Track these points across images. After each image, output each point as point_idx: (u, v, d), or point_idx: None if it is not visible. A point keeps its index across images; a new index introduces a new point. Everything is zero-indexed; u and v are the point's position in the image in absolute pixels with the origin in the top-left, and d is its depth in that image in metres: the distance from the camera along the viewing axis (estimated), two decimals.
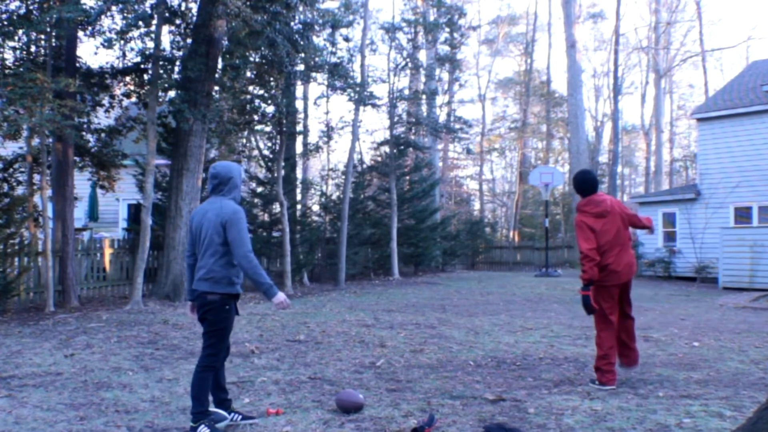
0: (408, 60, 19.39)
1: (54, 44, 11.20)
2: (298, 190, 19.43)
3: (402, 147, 20.19)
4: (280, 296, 3.96)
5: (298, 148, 19.09)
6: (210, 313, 3.97)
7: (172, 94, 11.98)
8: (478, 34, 35.50)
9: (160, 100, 11.93)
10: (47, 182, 11.02)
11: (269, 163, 16.86)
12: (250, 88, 14.28)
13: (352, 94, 16.33)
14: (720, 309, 11.16)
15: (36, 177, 11.48)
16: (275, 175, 15.52)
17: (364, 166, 21.43)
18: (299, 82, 16.75)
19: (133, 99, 12.87)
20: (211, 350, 3.98)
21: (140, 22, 10.75)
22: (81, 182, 14.06)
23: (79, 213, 15.32)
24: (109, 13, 10.85)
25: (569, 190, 29.50)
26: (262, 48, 12.04)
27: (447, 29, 19.34)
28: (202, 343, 4.09)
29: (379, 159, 21.14)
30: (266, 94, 14.44)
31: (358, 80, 16.49)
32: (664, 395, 4.86)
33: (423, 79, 21.81)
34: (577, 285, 15.26)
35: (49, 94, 9.74)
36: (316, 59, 14.32)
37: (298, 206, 18.59)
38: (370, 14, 18.59)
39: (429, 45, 20.23)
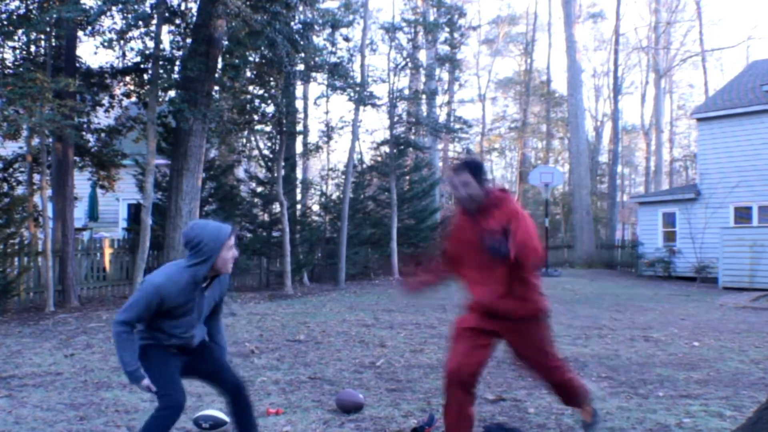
0: (408, 60, 19.39)
1: (54, 44, 11.20)
2: (298, 190, 19.43)
3: (402, 147, 20.18)
4: (144, 383, 3.15)
5: (298, 148, 19.10)
6: None
7: (172, 93, 11.97)
8: (478, 34, 35.50)
9: (160, 99, 11.92)
10: (47, 182, 11.02)
11: (269, 163, 16.86)
12: (250, 87, 14.27)
13: (352, 94, 16.33)
14: (720, 309, 11.16)
15: (36, 177, 11.48)
16: (275, 175, 15.52)
17: (364, 166, 21.43)
18: (299, 82, 16.74)
19: (133, 99, 12.87)
20: (159, 401, 3.24)
21: (140, 22, 10.74)
22: (81, 182, 14.06)
23: (79, 213, 15.32)
24: (109, 13, 10.83)
25: (569, 190, 29.52)
26: (262, 48, 12.03)
27: (447, 29, 19.33)
28: None
29: (379, 159, 21.13)
30: (266, 94, 14.43)
31: (358, 80, 16.49)
32: (664, 395, 4.86)
33: (423, 79, 21.81)
34: (577, 285, 15.28)
35: (48, 94, 9.74)
36: (316, 59, 14.31)
37: (298, 206, 18.58)
38: (370, 14, 18.59)
39: (429, 45, 20.23)
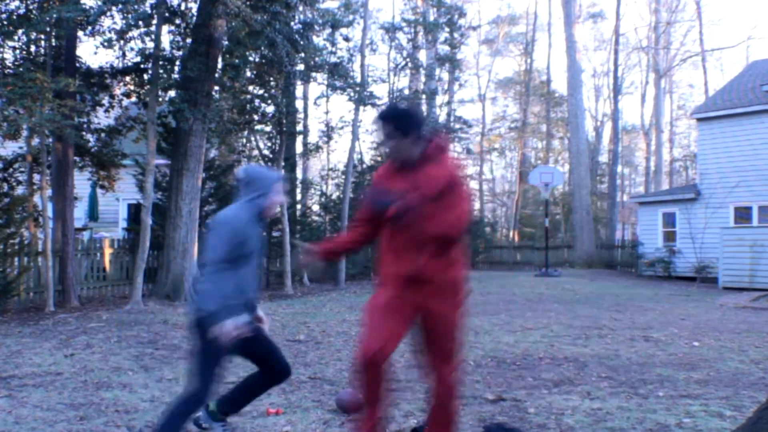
0: (408, 60, 19.41)
1: (54, 44, 11.20)
2: (298, 190, 19.45)
3: None
4: (227, 324, 3.06)
5: (298, 148, 19.13)
6: (197, 335, 3.26)
7: (172, 93, 11.98)
8: (478, 34, 35.49)
9: (160, 99, 11.93)
10: (47, 182, 11.03)
11: (269, 163, 16.88)
12: (250, 87, 14.29)
13: (352, 94, 16.35)
14: (720, 309, 11.15)
15: (36, 177, 11.48)
16: None
17: (364, 166, 21.44)
18: (299, 82, 16.77)
19: (133, 99, 12.88)
20: (194, 384, 3.19)
21: (140, 22, 10.75)
22: (81, 182, 14.06)
23: (79, 213, 15.32)
24: (109, 13, 10.84)
25: (569, 190, 29.54)
26: (262, 48, 12.04)
27: (447, 29, 19.37)
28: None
29: (379, 159, 21.15)
30: (266, 94, 14.45)
31: (358, 80, 16.50)
32: (664, 395, 4.86)
33: (423, 79, 21.83)
34: (577, 285, 15.26)
35: (49, 94, 9.74)
36: (316, 59, 14.33)
37: (298, 206, 18.60)
38: (370, 14, 18.59)
39: (429, 45, 20.25)
